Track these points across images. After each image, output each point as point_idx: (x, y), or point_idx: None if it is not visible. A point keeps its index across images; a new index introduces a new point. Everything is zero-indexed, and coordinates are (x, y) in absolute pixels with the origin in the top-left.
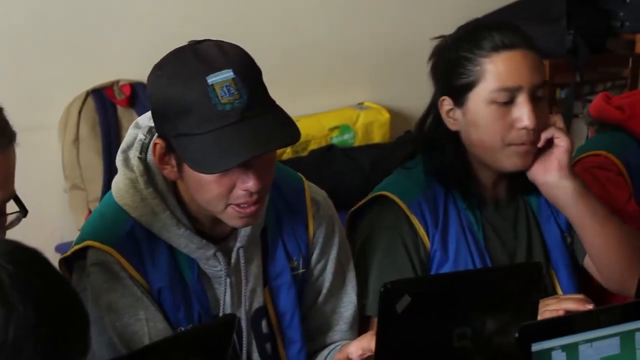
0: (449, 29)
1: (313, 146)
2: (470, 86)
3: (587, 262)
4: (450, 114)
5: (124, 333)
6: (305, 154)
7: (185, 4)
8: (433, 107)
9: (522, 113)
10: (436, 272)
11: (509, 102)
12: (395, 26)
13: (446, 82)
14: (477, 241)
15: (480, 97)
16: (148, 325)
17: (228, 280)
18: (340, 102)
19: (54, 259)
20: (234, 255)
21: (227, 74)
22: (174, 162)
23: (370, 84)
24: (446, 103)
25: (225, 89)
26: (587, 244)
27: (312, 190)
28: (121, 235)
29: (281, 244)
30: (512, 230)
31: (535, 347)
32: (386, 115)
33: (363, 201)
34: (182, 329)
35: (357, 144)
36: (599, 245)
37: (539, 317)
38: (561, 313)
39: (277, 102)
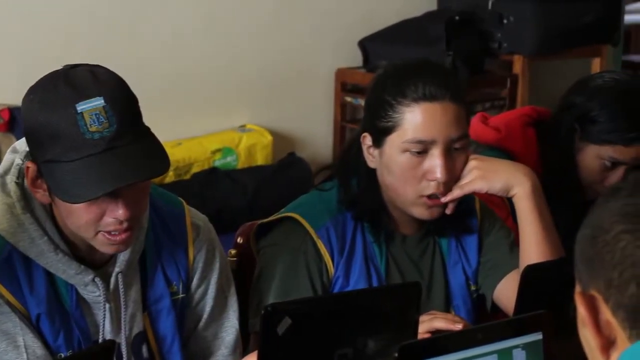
0: (330, 53)
1: (196, 169)
2: (388, 131)
3: (498, 294)
4: (370, 151)
5: None
6: (188, 177)
7: (65, 27)
8: (357, 138)
9: (435, 165)
10: None
11: (423, 152)
12: (277, 50)
13: (369, 119)
14: (379, 274)
15: (395, 144)
16: (27, 352)
17: (107, 305)
18: (222, 125)
19: None
20: (112, 280)
21: (98, 102)
22: (45, 186)
23: (252, 106)
24: (367, 140)
25: (94, 117)
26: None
27: (192, 215)
28: None
29: (160, 269)
30: (415, 268)
31: None
32: (269, 138)
33: (272, 217)
34: (62, 355)
35: (240, 166)
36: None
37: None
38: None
39: (159, 126)
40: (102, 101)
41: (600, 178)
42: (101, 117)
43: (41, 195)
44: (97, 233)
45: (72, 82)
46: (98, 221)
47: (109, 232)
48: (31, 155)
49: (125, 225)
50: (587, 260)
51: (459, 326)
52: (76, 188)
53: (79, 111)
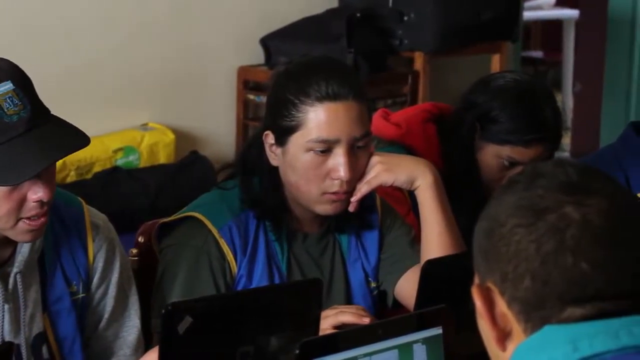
0: (232, 51)
1: (97, 168)
2: (291, 130)
3: (399, 289)
4: (272, 149)
5: None
6: (89, 176)
7: None
8: (259, 136)
9: (338, 164)
10: None
11: (327, 151)
12: (178, 48)
13: (272, 118)
14: (280, 273)
15: (299, 143)
16: None
17: (6, 306)
18: (124, 123)
19: None
20: (11, 280)
21: (7, 86)
22: None
23: (154, 104)
24: (269, 138)
25: (8, 101)
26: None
27: (92, 214)
28: None
29: (60, 269)
30: (316, 266)
31: None
32: (171, 136)
33: (174, 217)
34: None
35: (142, 165)
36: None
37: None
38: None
39: None
40: (11, 84)
41: (499, 177)
42: (14, 99)
43: None
44: (17, 221)
45: None
46: (19, 208)
47: (29, 218)
48: None
49: (45, 208)
50: (483, 253)
51: (366, 320)
52: (6, 171)
53: None
